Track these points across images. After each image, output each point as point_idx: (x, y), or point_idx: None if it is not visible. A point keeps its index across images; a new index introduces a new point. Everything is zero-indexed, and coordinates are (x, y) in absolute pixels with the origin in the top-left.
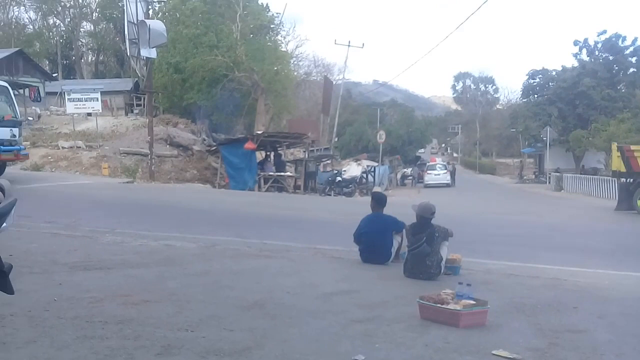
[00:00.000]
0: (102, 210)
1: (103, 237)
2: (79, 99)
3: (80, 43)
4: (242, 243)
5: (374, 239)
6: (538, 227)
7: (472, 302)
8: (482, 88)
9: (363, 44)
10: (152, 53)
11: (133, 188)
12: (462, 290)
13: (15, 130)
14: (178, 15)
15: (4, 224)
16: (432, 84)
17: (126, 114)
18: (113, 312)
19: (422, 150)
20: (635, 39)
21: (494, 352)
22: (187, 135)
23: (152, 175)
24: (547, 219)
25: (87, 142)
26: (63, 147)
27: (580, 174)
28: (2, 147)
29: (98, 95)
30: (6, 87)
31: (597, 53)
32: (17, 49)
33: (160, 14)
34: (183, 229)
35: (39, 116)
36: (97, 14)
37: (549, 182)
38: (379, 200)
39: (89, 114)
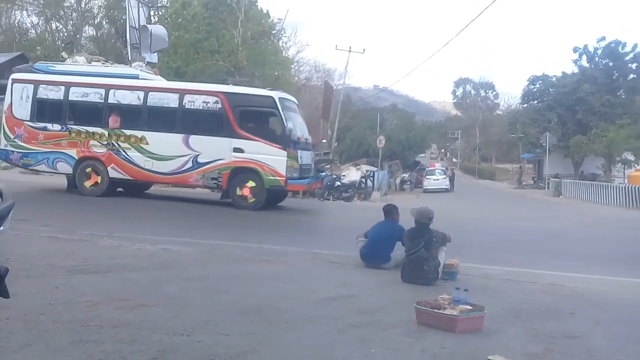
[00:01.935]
0: (100, 213)
1: (101, 241)
2: None
3: (82, 47)
4: (239, 247)
5: (376, 241)
6: (536, 233)
7: (469, 307)
8: (482, 93)
9: (364, 50)
10: (154, 58)
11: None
12: (459, 296)
13: (311, 156)
14: (180, 21)
15: (1, 227)
16: (433, 90)
17: None
18: (109, 316)
19: (422, 155)
20: (635, 45)
21: (489, 357)
22: None
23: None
24: (545, 225)
25: None
26: None
27: (580, 179)
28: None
29: None
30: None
31: (596, 59)
32: (18, 53)
33: (158, 18)
34: (180, 233)
35: None
36: (100, 18)
37: (548, 188)
38: (386, 211)
39: None
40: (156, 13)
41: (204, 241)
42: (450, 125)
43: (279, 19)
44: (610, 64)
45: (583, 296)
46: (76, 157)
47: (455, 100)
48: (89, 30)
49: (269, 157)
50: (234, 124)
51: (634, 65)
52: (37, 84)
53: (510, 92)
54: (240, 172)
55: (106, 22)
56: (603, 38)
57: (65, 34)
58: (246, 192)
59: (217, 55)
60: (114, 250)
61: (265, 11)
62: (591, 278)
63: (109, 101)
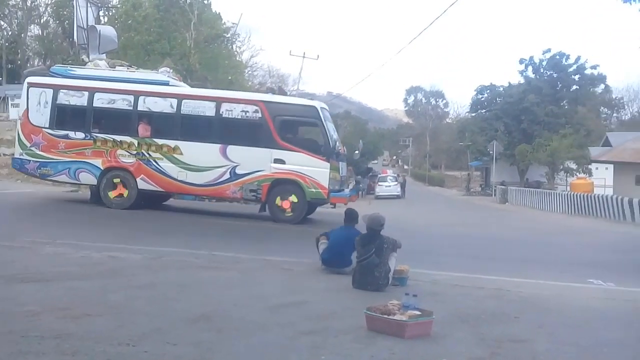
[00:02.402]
0: (43, 220)
1: (43, 248)
2: None
3: (26, 47)
4: (190, 254)
5: (337, 246)
6: (483, 239)
7: (418, 312)
8: (433, 102)
9: (318, 56)
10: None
11: (78, 197)
12: (408, 301)
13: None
14: (129, 22)
15: None
16: (385, 97)
17: None
18: (51, 327)
19: (375, 162)
20: (578, 58)
21: None
22: None
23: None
24: (492, 231)
25: None
26: (4, 155)
27: (525, 187)
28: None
29: None
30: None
31: (542, 70)
32: None
33: (108, 18)
34: (128, 240)
35: None
36: (47, 17)
37: (495, 195)
38: (348, 216)
39: None
40: (106, 13)
41: (154, 248)
42: (402, 133)
43: (232, 23)
44: (555, 75)
45: (528, 301)
46: (101, 167)
47: (407, 108)
48: (35, 29)
49: (311, 168)
50: (275, 134)
51: (576, 77)
52: (57, 88)
53: (459, 101)
54: (280, 184)
55: (53, 21)
56: (548, 50)
57: (10, 33)
58: (286, 205)
59: (168, 57)
60: (57, 258)
61: (218, 14)
62: (535, 283)
63: (139, 109)
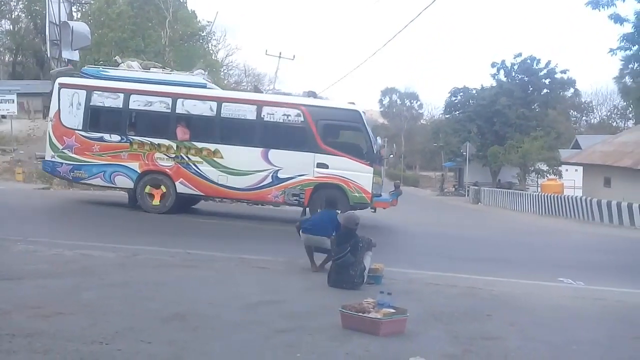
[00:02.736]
0: (15, 217)
1: (14, 246)
2: None
3: None
4: (165, 252)
5: (319, 219)
6: (457, 239)
7: (392, 310)
8: (408, 103)
9: (294, 56)
10: (75, 55)
11: (49, 195)
12: (383, 299)
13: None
14: (102, 19)
15: None
16: (361, 98)
17: (44, 118)
18: (22, 325)
19: None
20: (549, 62)
21: (410, 359)
22: None
23: (70, 182)
24: (466, 231)
25: (0, 146)
26: None
27: (497, 188)
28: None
29: (14, 97)
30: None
31: (513, 74)
32: None
33: (81, 15)
34: (102, 238)
35: None
36: (18, 12)
37: (468, 195)
38: (328, 202)
39: (4, 117)
40: (79, 9)
41: (128, 246)
42: (377, 133)
43: (208, 21)
44: (526, 79)
45: (500, 299)
46: (138, 171)
47: (382, 109)
48: (6, 24)
49: (355, 173)
50: (318, 138)
51: (547, 81)
52: (90, 90)
53: (433, 103)
54: (323, 189)
55: (25, 16)
56: (519, 54)
57: None
58: None
59: (143, 55)
60: (28, 256)
61: (193, 12)
62: (507, 282)
63: (177, 111)
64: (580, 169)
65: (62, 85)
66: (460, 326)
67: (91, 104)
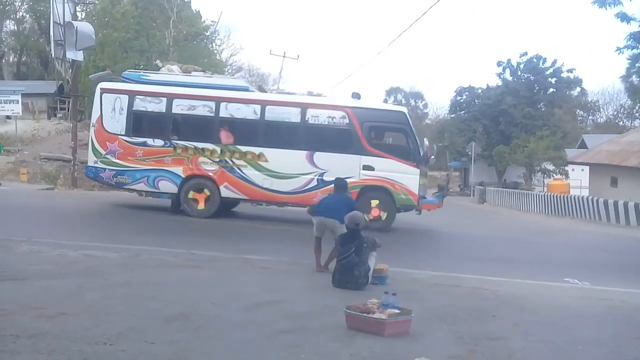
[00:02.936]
0: (19, 218)
1: (18, 247)
2: None
3: (1, 42)
4: (168, 253)
5: (332, 202)
6: (462, 239)
7: (397, 311)
8: (412, 103)
9: (298, 56)
10: (79, 56)
11: (53, 195)
12: (387, 300)
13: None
14: (106, 19)
15: None
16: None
17: (49, 118)
18: (26, 326)
19: None
20: (555, 61)
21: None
22: None
23: (74, 182)
24: (471, 230)
25: (5, 147)
26: None
27: (502, 187)
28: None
29: (18, 97)
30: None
31: (519, 73)
32: None
33: (85, 15)
34: (105, 238)
35: None
36: (23, 12)
37: (473, 195)
38: (338, 185)
39: (8, 117)
40: (83, 9)
41: (131, 247)
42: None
43: (212, 21)
44: (532, 78)
45: (504, 299)
46: (182, 176)
47: None
48: (10, 25)
49: (401, 175)
50: (363, 140)
51: (553, 80)
52: (132, 94)
53: (438, 103)
54: (369, 191)
55: (29, 17)
56: (525, 53)
57: None
58: (375, 212)
59: (147, 55)
60: (32, 256)
61: (197, 11)
62: (512, 282)
63: (221, 115)
64: (587, 168)
65: (104, 91)
66: (464, 326)
67: (134, 108)
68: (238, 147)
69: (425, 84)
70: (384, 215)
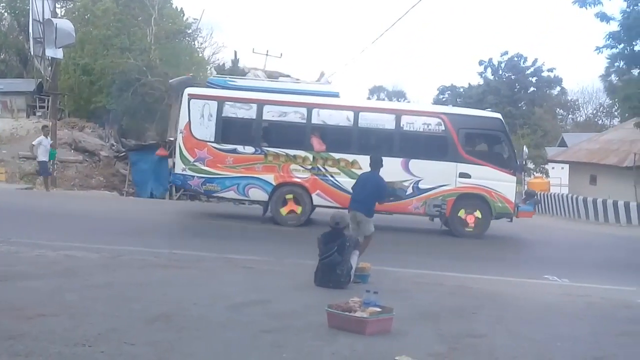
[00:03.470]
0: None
1: None
2: None
3: None
4: (150, 253)
5: (359, 192)
6: (444, 237)
7: (379, 309)
8: (395, 101)
9: (281, 54)
10: (58, 53)
11: (32, 195)
12: (369, 298)
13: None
14: (87, 16)
15: None
16: (349, 96)
17: (28, 117)
18: (4, 327)
19: None
20: (536, 60)
21: (396, 358)
22: (93, 140)
23: (53, 182)
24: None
25: None
26: None
27: None
28: None
29: None
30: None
31: (500, 72)
32: None
33: (65, 12)
34: (86, 239)
35: None
36: (1, 9)
37: None
38: (373, 161)
39: None
40: (63, 6)
41: (112, 247)
42: None
43: (194, 18)
44: (513, 77)
45: (486, 297)
46: (273, 183)
47: None
48: None
49: (498, 182)
50: (459, 147)
51: (534, 79)
52: (222, 100)
53: (421, 101)
54: (465, 199)
55: (8, 14)
56: (506, 52)
57: None
58: (471, 219)
59: (128, 52)
60: (10, 257)
61: (179, 9)
62: (493, 279)
63: (313, 121)
64: (567, 166)
65: (191, 96)
66: (446, 324)
67: (223, 115)
68: (331, 154)
69: (408, 83)
70: (477, 223)
